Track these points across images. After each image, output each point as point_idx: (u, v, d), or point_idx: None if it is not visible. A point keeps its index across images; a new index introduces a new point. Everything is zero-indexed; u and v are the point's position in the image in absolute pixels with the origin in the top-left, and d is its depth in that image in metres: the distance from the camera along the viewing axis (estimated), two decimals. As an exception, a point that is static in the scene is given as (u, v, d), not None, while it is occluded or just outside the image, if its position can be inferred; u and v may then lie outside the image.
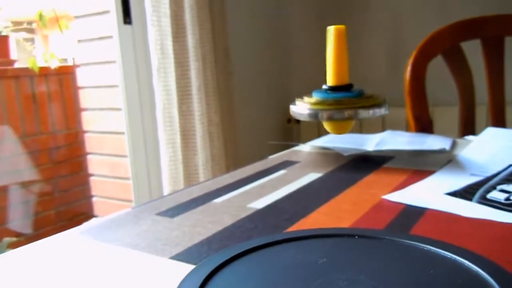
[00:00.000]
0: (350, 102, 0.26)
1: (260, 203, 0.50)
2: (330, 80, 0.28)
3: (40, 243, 0.42)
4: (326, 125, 0.28)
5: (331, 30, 0.28)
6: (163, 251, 0.38)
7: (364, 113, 0.26)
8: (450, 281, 0.20)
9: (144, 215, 0.48)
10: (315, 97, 0.27)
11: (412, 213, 0.44)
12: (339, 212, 0.45)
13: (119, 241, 0.41)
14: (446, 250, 0.23)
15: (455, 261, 0.22)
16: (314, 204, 0.48)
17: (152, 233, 0.43)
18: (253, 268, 0.24)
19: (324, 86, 0.28)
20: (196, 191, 0.56)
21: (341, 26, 0.27)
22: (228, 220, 0.45)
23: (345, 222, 0.43)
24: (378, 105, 0.27)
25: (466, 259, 0.22)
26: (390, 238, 0.26)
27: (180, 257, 0.37)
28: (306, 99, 0.27)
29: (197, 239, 0.41)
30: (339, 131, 0.28)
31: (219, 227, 0.43)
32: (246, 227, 0.43)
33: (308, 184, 0.57)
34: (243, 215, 0.46)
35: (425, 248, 0.24)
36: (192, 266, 0.34)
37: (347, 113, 0.26)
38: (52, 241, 0.42)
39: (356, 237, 0.27)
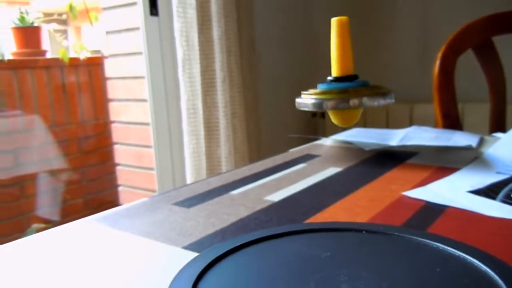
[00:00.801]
0: (355, 91, 0.26)
1: (277, 196, 0.49)
2: (335, 71, 0.27)
3: (57, 230, 0.42)
4: (333, 117, 0.27)
5: (333, 22, 0.27)
6: (176, 241, 0.38)
7: (369, 102, 0.25)
8: (456, 280, 0.19)
9: (160, 205, 0.48)
10: (320, 88, 0.27)
11: (432, 211, 0.42)
12: (357, 208, 0.44)
13: (134, 229, 0.41)
14: (456, 249, 0.22)
15: (464, 260, 0.21)
16: (331, 199, 0.48)
17: (167, 222, 0.43)
18: (253, 260, 0.24)
19: (329, 78, 0.28)
20: (214, 183, 0.56)
21: (344, 18, 0.27)
22: (243, 212, 0.45)
23: (361, 217, 0.42)
24: (384, 94, 0.26)
25: (476, 258, 0.21)
26: (399, 234, 0.25)
27: (193, 247, 0.37)
28: (311, 90, 0.27)
29: (211, 230, 0.40)
30: (346, 122, 0.27)
31: (234, 219, 0.43)
32: (261, 219, 0.42)
33: (327, 178, 0.56)
34: (259, 207, 0.46)
35: (434, 246, 0.23)
36: (204, 257, 0.34)
37: (352, 102, 0.25)
38: (69, 228, 0.43)
39: (364, 232, 0.26)
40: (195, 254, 0.35)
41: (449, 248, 0.22)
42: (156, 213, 0.45)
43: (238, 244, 0.26)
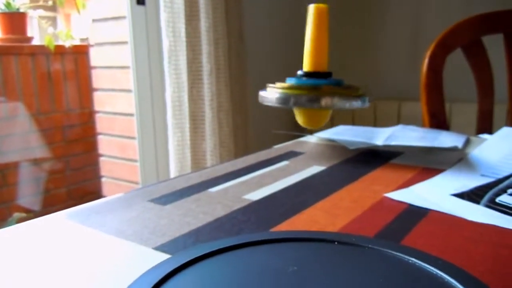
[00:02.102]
0: (327, 90, 0.23)
1: (256, 195, 0.48)
2: (307, 65, 0.25)
3: (25, 225, 0.41)
4: (299, 116, 0.25)
5: (311, 9, 0.24)
6: (148, 240, 0.36)
7: (340, 103, 0.23)
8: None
9: (136, 201, 0.46)
10: (288, 82, 0.24)
11: (414, 214, 0.41)
12: (337, 209, 0.43)
13: (105, 226, 0.39)
14: (433, 266, 0.21)
15: (442, 279, 0.20)
16: (312, 199, 0.46)
17: (141, 220, 0.41)
18: (214, 273, 0.22)
19: (299, 72, 0.25)
20: (193, 179, 0.54)
21: (323, 5, 0.24)
22: (220, 211, 0.43)
23: (341, 219, 0.41)
24: (358, 96, 0.24)
25: (455, 278, 0.20)
26: (373, 247, 0.23)
27: (165, 248, 0.35)
28: (278, 84, 0.25)
29: (185, 229, 0.39)
30: (313, 123, 0.25)
31: (210, 218, 0.41)
32: (238, 219, 0.41)
33: (309, 177, 0.54)
34: (237, 206, 0.44)
35: (410, 262, 0.21)
36: (175, 259, 0.33)
37: (323, 101, 0.23)
38: (37, 224, 0.41)
39: (336, 243, 0.24)
40: (165, 256, 0.33)
41: (426, 265, 0.21)
42: (130, 210, 0.44)
43: (195, 256, 0.24)
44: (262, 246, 0.24)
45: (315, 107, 0.23)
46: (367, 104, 0.25)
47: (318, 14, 0.24)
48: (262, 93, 0.25)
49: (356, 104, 0.24)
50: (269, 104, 0.24)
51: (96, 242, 0.36)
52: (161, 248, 0.35)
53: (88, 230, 0.39)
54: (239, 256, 0.23)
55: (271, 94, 0.24)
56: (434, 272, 0.20)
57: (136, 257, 0.34)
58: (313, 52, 0.24)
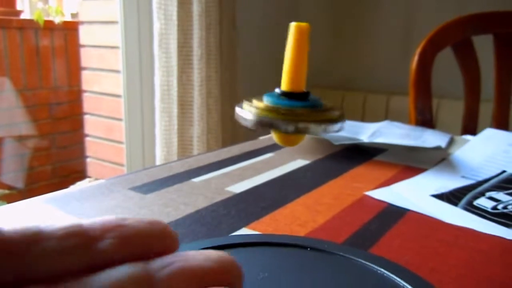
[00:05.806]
0: (303, 113, 0.23)
1: (239, 187, 0.48)
2: (285, 84, 0.24)
3: (4, 208, 0.40)
4: (274, 134, 0.25)
5: (292, 28, 0.24)
6: (127, 231, 0.36)
7: (315, 129, 0.23)
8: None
9: (117, 188, 0.46)
10: (266, 102, 0.24)
11: (393, 213, 0.42)
12: (318, 205, 0.44)
13: (82, 214, 0.39)
14: (401, 278, 0.21)
15: (408, 291, 0.20)
16: (294, 194, 0.47)
17: (120, 209, 0.41)
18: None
19: (277, 90, 0.25)
20: (176, 168, 0.54)
21: (305, 24, 0.24)
22: (202, 203, 0.43)
23: (322, 216, 0.41)
24: (334, 120, 0.24)
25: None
26: (344, 255, 0.23)
27: (143, 239, 0.35)
28: (255, 102, 0.24)
29: (164, 220, 0.39)
30: (288, 143, 0.25)
31: (190, 210, 0.41)
32: (219, 212, 0.41)
33: (293, 171, 0.55)
34: (218, 198, 0.45)
35: (379, 272, 0.22)
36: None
37: (299, 126, 0.22)
38: (15, 208, 0.40)
39: (309, 249, 0.24)
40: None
41: (393, 276, 0.21)
42: (110, 198, 0.44)
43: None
44: (235, 250, 0.24)
45: (289, 132, 0.23)
46: (343, 127, 0.24)
47: (300, 33, 0.24)
48: (238, 111, 0.25)
49: (332, 129, 0.23)
50: (245, 124, 0.24)
51: (74, 230, 0.36)
52: (139, 239, 0.35)
53: (64, 216, 0.39)
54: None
55: (246, 113, 0.24)
56: (402, 284, 0.20)
57: (113, 247, 0.34)
58: (292, 71, 0.24)
